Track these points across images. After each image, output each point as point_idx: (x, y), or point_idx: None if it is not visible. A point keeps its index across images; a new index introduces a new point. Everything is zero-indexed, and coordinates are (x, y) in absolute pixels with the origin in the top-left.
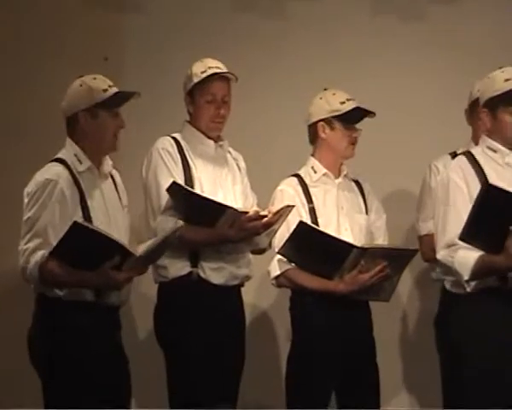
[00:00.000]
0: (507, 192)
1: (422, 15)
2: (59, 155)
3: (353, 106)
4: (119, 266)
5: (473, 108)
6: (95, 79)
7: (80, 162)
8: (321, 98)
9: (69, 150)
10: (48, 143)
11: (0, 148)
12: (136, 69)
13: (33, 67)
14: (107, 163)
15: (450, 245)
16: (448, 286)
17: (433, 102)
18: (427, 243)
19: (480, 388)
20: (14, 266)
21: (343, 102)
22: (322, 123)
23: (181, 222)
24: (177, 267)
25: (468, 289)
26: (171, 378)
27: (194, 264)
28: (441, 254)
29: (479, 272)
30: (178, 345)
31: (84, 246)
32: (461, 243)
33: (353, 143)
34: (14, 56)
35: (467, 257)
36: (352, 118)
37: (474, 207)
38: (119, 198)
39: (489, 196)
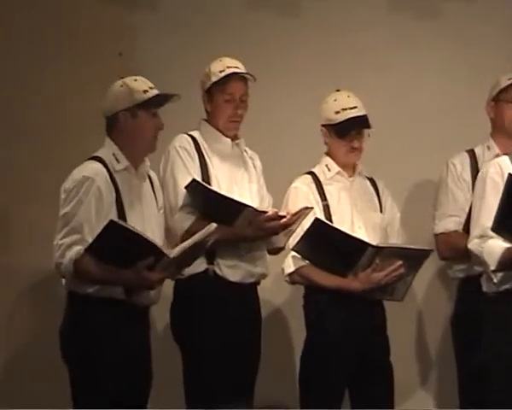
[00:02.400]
0: None
1: (438, 12)
2: (97, 154)
3: (347, 117)
4: (153, 267)
5: (497, 101)
6: (135, 80)
7: (118, 161)
8: (326, 102)
9: (108, 149)
10: (63, 141)
11: (16, 146)
12: (149, 65)
13: (48, 64)
14: (146, 164)
15: (482, 235)
16: (484, 288)
17: (449, 99)
18: (443, 242)
19: (500, 388)
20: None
21: (338, 112)
22: (323, 128)
23: (214, 225)
24: (194, 264)
25: (495, 280)
26: (187, 375)
27: (211, 261)
28: (472, 244)
29: (505, 262)
30: (194, 342)
31: (119, 245)
32: (492, 234)
33: (351, 151)
34: (29, 53)
35: (495, 247)
36: (345, 128)
37: (501, 197)
38: (156, 199)
39: None
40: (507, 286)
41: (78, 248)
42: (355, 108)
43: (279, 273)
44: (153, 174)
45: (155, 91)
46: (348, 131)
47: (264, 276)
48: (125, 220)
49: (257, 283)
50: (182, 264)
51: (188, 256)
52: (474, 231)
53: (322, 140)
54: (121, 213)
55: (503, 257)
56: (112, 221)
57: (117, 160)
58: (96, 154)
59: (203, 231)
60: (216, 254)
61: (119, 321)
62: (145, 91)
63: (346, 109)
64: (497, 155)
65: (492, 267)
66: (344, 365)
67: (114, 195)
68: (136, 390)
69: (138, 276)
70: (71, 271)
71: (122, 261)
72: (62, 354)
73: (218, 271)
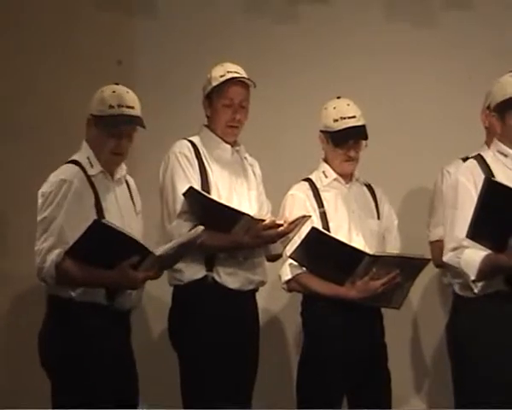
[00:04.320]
0: (508, 188)
1: (435, 21)
2: (74, 157)
3: (345, 126)
4: (137, 266)
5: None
6: (114, 92)
7: (92, 166)
8: (325, 108)
9: (83, 153)
10: (61, 146)
11: (12, 150)
12: (149, 72)
13: (48, 71)
14: (121, 169)
15: (457, 247)
16: (456, 289)
17: (445, 107)
18: (438, 249)
19: (487, 392)
20: (26, 268)
21: (336, 121)
22: (321, 134)
23: (201, 228)
24: (193, 271)
25: (476, 290)
26: (184, 382)
27: (210, 268)
28: (448, 256)
29: (485, 271)
30: (192, 348)
31: (104, 245)
32: (468, 244)
33: (347, 160)
34: (28, 61)
35: (473, 257)
36: (342, 137)
37: (477, 203)
38: (133, 204)
39: (490, 191)
40: (487, 291)
41: (58, 251)
42: (354, 117)
43: (276, 281)
44: (130, 179)
45: (123, 110)
46: (345, 140)
47: (262, 283)
48: None
49: (255, 290)
50: (165, 265)
51: (172, 257)
52: (449, 244)
53: (321, 146)
54: (101, 215)
55: (483, 265)
56: (97, 221)
57: (91, 164)
58: (72, 157)
59: (191, 232)
60: (215, 261)
61: (101, 326)
62: (110, 107)
63: (344, 118)
64: (467, 159)
65: (473, 277)
66: (342, 372)
67: (93, 198)
68: (121, 394)
69: (123, 275)
70: (53, 275)
71: (105, 262)
72: (42, 359)
73: (217, 278)
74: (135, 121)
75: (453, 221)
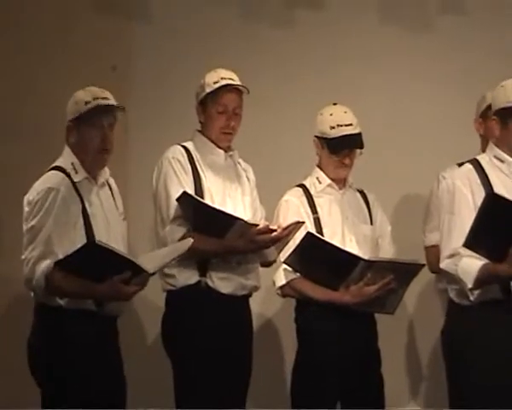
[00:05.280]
0: (510, 202)
1: (430, 25)
2: (57, 163)
3: (341, 134)
4: (128, 281)
5: (485, 118)
6: (85, 90)
7: (76, 172)
8: (321, 114)
9: (66, 158)
10: (60, 148)
11: (8, 153)
12: (144, 77)
13: (42, 75)
14: (104, 172)
15: (454, 254)
16: (452, 296)
17: (440, 112)
18: (433, 254)
19: (481, 400)
20: (15, 272)
21: (332, 128)
22: (316, 140)
23: (191, 240)
24: (186, 276)
25: (472, 298)
26: (178, 387)
27: (203, 273)
28: (445, 263)
29: (482, 280)
30: (186, 353)
31: (97, 262)
32: (465, 251)
33: (341, 166)
34: (22, 65)
35: (470, 265)
36: (338, 145)
37: (477, 215)
38: (116, 206)
39: (492, 204)
40: (482, 299)
41: (48, 262)
42: (350, 125)
43: (270, 286)
44: (112, 180)
45: (99, 102)
46: (341, 148)
47: (256, 288)
48: (91, 229)
49: (249, 295)
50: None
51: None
52: (446, 251)
53: (315, 152)
54: (87, 222)
55: (480, 274)
56: (92, 242)
57: (75, 170)
58: (56, 163)
59: (181, 246)
60: (208, 266)
61: (90, 332)
62: (86, 103)
63: (341, 126)
64: (462, 164)
65: (470, 285)
66: (335, 377)
67: (80, 204)
68: (110, 399)
69: (113, 289)
70: (42, 286)
71: (95, 276)
72: (30, 367)
73: (210, 283)
74: (113, 109)
75: (450, 228)
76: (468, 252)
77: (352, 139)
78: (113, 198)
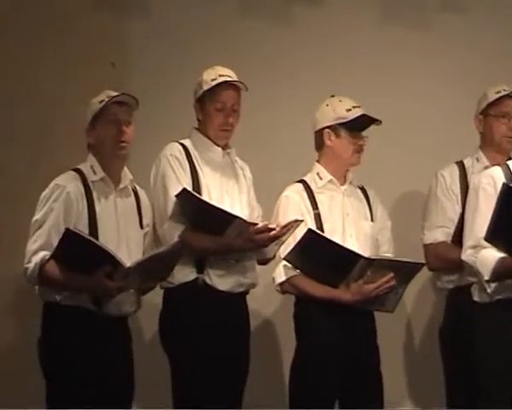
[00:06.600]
0: None
1: (429, 22)
2: (78, 166)
3: (359, 113)
4: (112, 276)
5: (485, 115)
6: (100, 93)
7: (95, 173)
8: (327, 105)
9: (87, 162)
10: (60, 147)
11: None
12: (142, 74)
13: (41, 73)
14: (125, 175)
15: (476, 245)
16: (475, 296)
17: (439, 110)
18: (431, 252)
19: (491, 399)
20: (14, 271)
21: (349, 110)
22: (328, 130)
23: (177, 240)
24: (183, 273)
25: (489, 291)
26: (175, 384)
27: (200, 270)
28: (466, 254)
29: (499, 273)
30: (183, 351)
31: (79, 252)
32: (486, 244)
33: (359, 151)
34: (21, 63)
35: (488, 257)
36: (357, 125)
37: (495, 207)
38: (140, 216)
39: (508, 196)
40: (499, 296)
41: (43, 254)
42: (360, 107)
43: (269, 283)
44: (141, 191)
45: (114, 99)
46: (365, 126)
47: (253, 286)
48: (96, 231)
49: (246, 292)
50: (148, 276)
51: (151, 269)
52: (468, 242)
53: (315, 147)
54: (92, 223)
55: (497, 267)
56: (67, 229)
57: (94, 171)
58: (76, 166)
59: (168, 245)
60: (206, 263)
61: (91, 331)
62: (101, 101)
63: (356, 107)
64: (487, 167)
65: (486, 277)
66: (334, 374)
67: (86, 204)
68: (114, 399)
69: (97, 283)
70: (35, 275)
71: (84, 268)
72: (40, 364)
73: (207, 280)
74: (127, 101)
75: (472, 221)
76: (489, 245)
77: (369, 117)
78: (139, 208)
